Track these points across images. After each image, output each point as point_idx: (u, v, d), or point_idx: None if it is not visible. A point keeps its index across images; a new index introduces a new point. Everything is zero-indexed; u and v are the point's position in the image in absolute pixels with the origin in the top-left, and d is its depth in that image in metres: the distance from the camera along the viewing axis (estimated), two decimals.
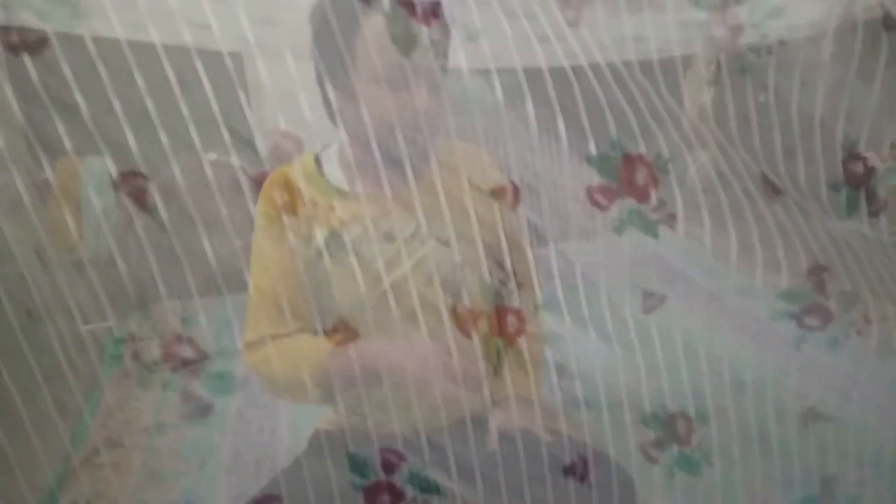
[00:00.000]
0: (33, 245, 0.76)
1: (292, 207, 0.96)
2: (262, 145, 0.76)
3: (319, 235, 1.00)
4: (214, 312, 0.81)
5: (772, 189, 0.95)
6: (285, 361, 1.01)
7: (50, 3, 0.70)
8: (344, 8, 0.86)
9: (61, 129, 0.69)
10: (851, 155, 0.90)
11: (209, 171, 0.74)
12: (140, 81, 0.71)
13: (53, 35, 0.68)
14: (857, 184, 0.92)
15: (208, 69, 0.72)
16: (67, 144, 0.70)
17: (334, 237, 1.00)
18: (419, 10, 0.74)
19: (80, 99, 0.69)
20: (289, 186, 1.00)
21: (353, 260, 0.96)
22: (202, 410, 0.83)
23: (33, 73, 0.68)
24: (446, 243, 0.94)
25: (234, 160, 0.74)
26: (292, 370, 1.01)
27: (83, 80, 0.69)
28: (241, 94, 0.74)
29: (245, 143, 0.75)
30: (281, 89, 0.77)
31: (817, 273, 0.98)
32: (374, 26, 0.88)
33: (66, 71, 0.69)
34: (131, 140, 0.72)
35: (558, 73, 0.82)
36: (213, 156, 0.73)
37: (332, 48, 0.85)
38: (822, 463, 1.12)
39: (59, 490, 0.88)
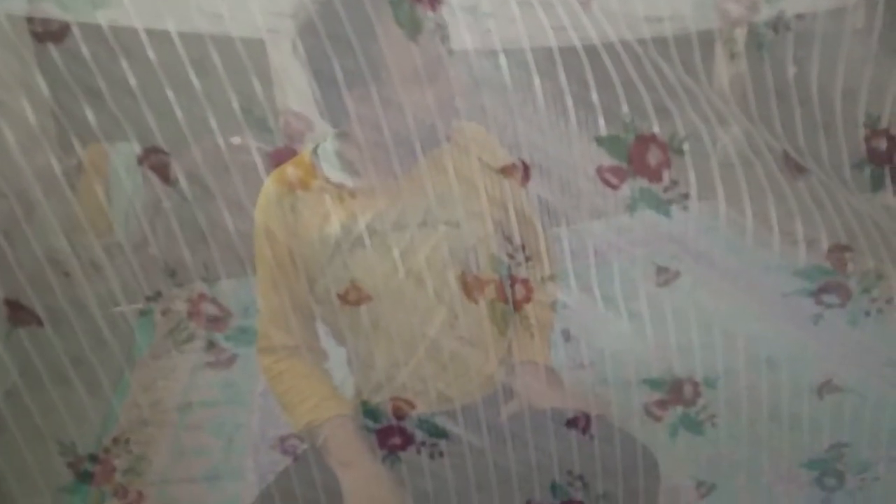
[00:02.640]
0: (64, 229, 0.83)
1: (305, 184, 1.00)
2: (274, 124, 0.79)
3: (334, 225, 1.04)
4: (235, 276, 0.88)
5: (795, 167, 0.92)
6: (290, 397, 1.11)
7: None
8: (355, 15, 0.84)
9: (87, 111, 0.74)
10: (874, 132, 0.86)
11: (225, 150, 0.79)
12: (157, 66, 0.75)
13: (74, 24, 0.72)
14: (880, 161, 0.88)
15: (223, 55, 0.75)
16: (94, 125, 0.75)
17: (345, 231, 1.03)
18: None
19: (102, 84, 0.74)
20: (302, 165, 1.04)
21: (367, 251, 1.00)
22: (227, 361, 0.91)
23: (58, 60, 0.73)
24: (456, 225, 0.97)
25: (251, 142, 0.78)
26: (291, 410, 1.10)
27: (103, 65, 0.74)
28: (255, 79, 0.77)
29: (258, 122, 0.79)
30: (292, 75, 0.79)
31: (838, 252, 0.95)
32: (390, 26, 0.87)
33: (88, 57, 0.73)
34: (151, 121, 0.77)
35: (569, 53, 0.80)
36: (237, 139, 0.77)
37: (339, 54, 0.84)
38: (835, 430, 1.13)
39: (81, 491, 0.98)
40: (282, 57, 1.00)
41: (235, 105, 0.77)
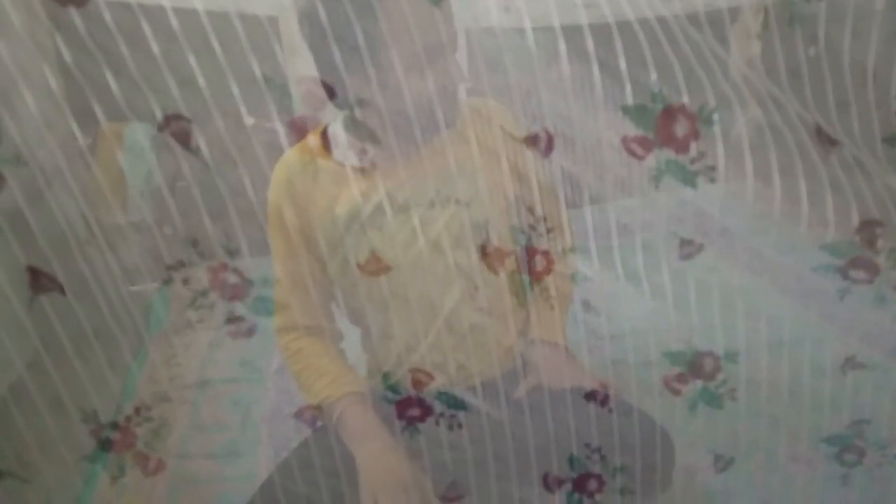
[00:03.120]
0: (79, 207, 0.82)
1: (325, 151, 0.99)
2: (295, 91, 0.78)
3: (351, 200, 1.04)
4: (256, 246, 0.87)
5: (827, 141, 0.89)
6: (306, 374, 1.13)
7: None
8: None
9: (109, 78, 0.74)
10: None
11: (247, 118, 0.78)
12: (179, 33, 0.73)
13: None
14: None
15: (244, 25, 0.74)
16: (115, 92, 0.75)
17: (361, 205, 1.03)
18: None
19: (124, 49, 0.73)
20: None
21: (386, 224, 1.01)
22: (247, 330, 0.91)
23: (80, 25, 0.72)
24: (477, 196, 0.96)
25: (276, 123, 0.77)
26: (307, 387, 1.12)
27: (126, 31, 0.73)
28: (276, 47, 0.76)
29: (279, 90, 0.78)
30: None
31: (869, 228, 0.93)
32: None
33: (110, 22, 0.72)
34: (174, 88, 0.76)
35: (599, 27, 0.78)
36: (250, 120, 0.77)
37: (339, 38, 0.83)
38: (856, 407, 1.12)
39: (102, 458, 0.99)
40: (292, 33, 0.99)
41: (257, 72, 0.76)
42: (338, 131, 1.10)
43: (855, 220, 0.91)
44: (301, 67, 0.84)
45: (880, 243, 0.93)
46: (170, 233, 0.86)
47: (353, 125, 1.05)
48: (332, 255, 1.09)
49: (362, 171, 1.04)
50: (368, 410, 1.09)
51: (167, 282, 0.86)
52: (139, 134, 0.87)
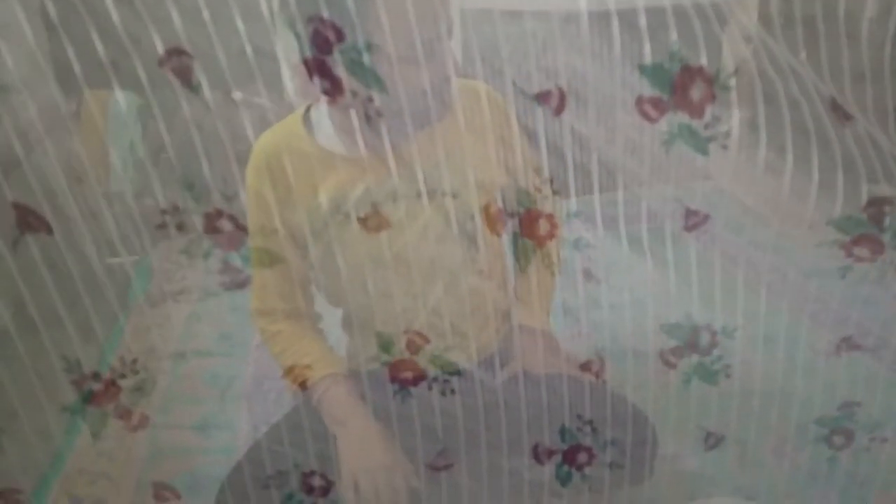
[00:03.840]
0: (65, 173, 0.79)
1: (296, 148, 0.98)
2: (303, 31, 0.75)
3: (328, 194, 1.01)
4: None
5: (843, 114, 0.88)
6: (285, 357, 1.12)
7: None
8: None
9: (111, 7, 0.70)
10: None
11: (252, 56, 0.75)
12: None
13: None
14: None
15: None
16: (118, 23, 0.71)
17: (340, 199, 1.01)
18: None
19: None
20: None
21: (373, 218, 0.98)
22: (241, 282, 0.89)
23: None
24: (465, 185, 0.94)
25: (279, 50, 0.74)
26: (287, 369, 1.10)
27: None
28: None
29: (288, 25, 0.75)
30: None
31: (878, 205, 0.92)
32: None
33: None
34: (177, 20, 0.72)
35: None
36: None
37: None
38: (849, 389, 1.12)
39: (83, 410, 0.96)
40: None
41: (264, 7, 0.73)
42: (322, 117, 1.07)
43: (864, 197, 0.90)
44: None
45: (888, 221, 0.92)
46: (151, 205, 0.83)
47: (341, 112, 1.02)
48: (314, 240, 1.07)
49: (350, 158, 1.01)
50: (346, 393, 1.09)
51: (160, 226, 0.83)
52: (124, 103, 0.84)
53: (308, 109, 1.10)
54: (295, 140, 1.06)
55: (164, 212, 0.82)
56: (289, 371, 1.11)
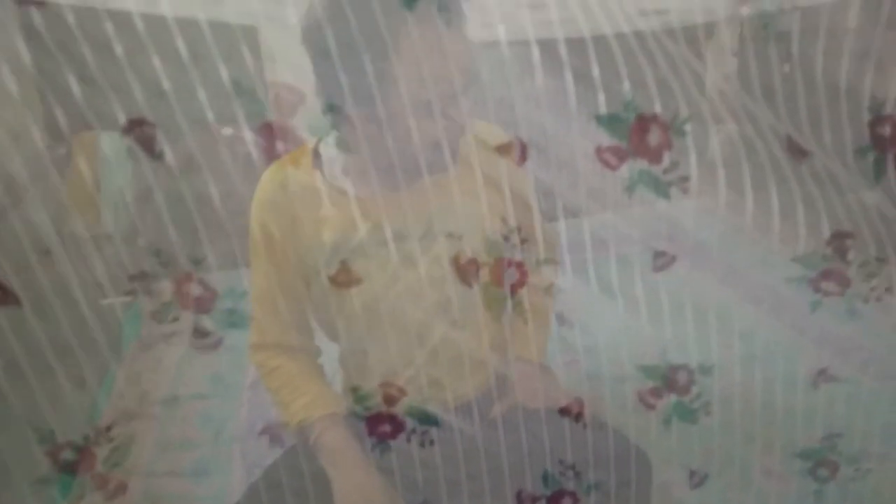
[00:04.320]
0: (52, 219, 0.79)
1: (303, 182, 0.99)
2: (264, 96, 0.77)
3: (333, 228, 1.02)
4: (223, 255, 0.85)
5: (798, 151, 0.90)
6: (283, 394, 1.11)
7: None
8: (369, 33, 0.80)
9: (71, 81, 0.71)
10: (879, 117, 0.85)
11: (214, 123, 0.76)
12: (144, 34, 0.71)
13: None
14: (884, 147, 0.87)
15: (212, 28, 0.73)
16: (78, 96, 0.72)
17: (344, 236, 1.02)
18: None
19: (86, 51, 0.71)
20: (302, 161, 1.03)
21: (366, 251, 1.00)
22: (213, 344, 0.89)
23: (41, 25, 0.69)
24: (451, 207, 0.95)
25: (240, 114, 0.75)
26: (284, 407, 1.10)
27: (88, 32, 0.70)
28: (245, 50, 0.74)
29: (247, 93, 0.76)
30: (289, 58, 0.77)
31: (840, 239, 0.94)
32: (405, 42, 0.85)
33: (72, 22, 0.70)
34: (138, 92, 0.74)
35: (570, 25, 0.78)
36: (228, 130, 0.75)
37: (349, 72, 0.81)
38: (829, 421, 1.12)
39: (73, 457, 0.95)
40: (276, 39, 0.98)
41: (224, 76, 0.74)
42: (332, 152, 1.07)
43: (826, 232, 0.92)
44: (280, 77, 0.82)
45: (851, 255, 0.94)
46: (144, 245, 0.83)
47: (345, 147, 1.03)
48: (315, 277, 1.07)
49: (357, 198, 1.01)
50: (344, 434, 1.08)
51: (129, 293, 0.83)
52: (113, 143, 0.85)
53: (317, 145, 1.09)
54: (302, 174, 1.05)
55: (132, 278, 0.82)
56: (285, 408, 1.10)
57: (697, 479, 1.15)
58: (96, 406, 1.09)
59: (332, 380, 1.20)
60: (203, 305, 0.86)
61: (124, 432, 0.96)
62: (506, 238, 0.94)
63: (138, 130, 0.76)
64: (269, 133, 0.77)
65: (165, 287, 0.83)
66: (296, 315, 1.11)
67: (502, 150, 0.87)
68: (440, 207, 0.96)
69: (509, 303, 0.98)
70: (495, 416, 1.06)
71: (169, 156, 0.77)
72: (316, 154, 1.08)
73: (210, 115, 0.75)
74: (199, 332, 0.86)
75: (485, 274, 0.97)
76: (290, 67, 0.95)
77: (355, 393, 1.00)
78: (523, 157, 0.87)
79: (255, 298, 1.06)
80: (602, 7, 0.80)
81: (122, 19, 0.72)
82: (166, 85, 0.74)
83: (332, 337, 1.18)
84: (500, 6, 0.79)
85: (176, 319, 0.85)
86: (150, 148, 0.76)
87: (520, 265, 0.96)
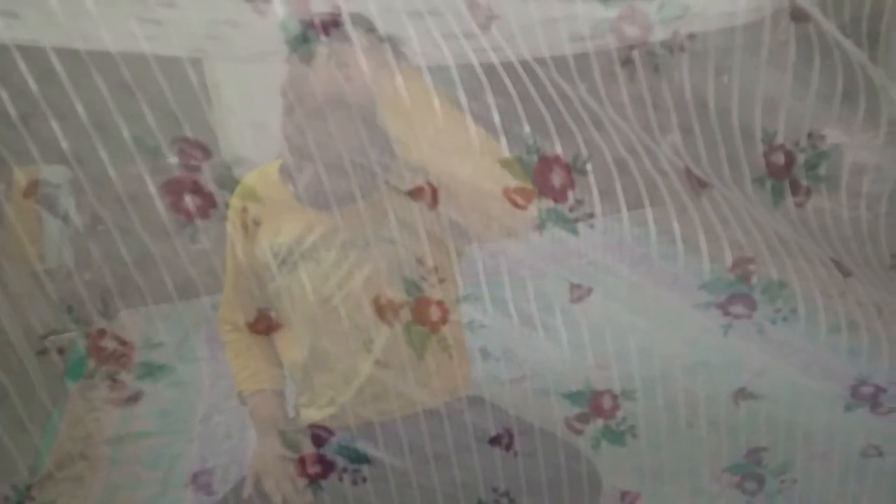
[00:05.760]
0: None
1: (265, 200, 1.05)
2: (168, 151, 0.77)
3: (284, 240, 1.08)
4: (135, 307, 0.85)
5: (697, 182, 0.94)
6: (233, 365, 1.21)
7: None
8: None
9: None
10: (772, 147, 0.89)
11: (116, 180, 0.76)
12: (37, 93, 0.72)
13: None
14: (779, 175, 0.91)
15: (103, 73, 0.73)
16: None
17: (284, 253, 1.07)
18: (317, 21, 0.73)
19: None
20: (255, 197, 1.08)
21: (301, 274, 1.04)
22: (132, 398, 0.88)
23: None
24: (367, 249, 0.97)
25: (143, 169, 0.76)
26: (234, 376, 1.20)
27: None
28: (145, 106, 0.74)
29: (150, 151, 0.76)
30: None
31: (742, 265, 0.98)
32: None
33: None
34: (34, 151, 0.74)
35: (467, 72, 0.81)
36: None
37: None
38: (751, 436, 1.15)
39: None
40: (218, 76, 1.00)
41: (126, 133, 0.75)
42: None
43: (729, 259, 0.95)
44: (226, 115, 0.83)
45: (755, 279, 0.97)
46: (90, 279, 0.83)
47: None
48: (270, 279, 1.12)
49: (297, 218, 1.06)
50: (272, 410, 1.16)
51: (41, 352, 0.82)
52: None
53: (282, 167, 1.13)
54: (271, 186, 1.11)
55: (42, 337, 0.82)
56: (234, 377, 1.21)
57: (630, 500, 1.18)
58: (39, 451, 1.07)
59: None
60: (120, 360, 0.86)
61: (73, 475, 0.95)
62: (424, 278, 0.96)
63: (40, 192, 0.76)
64: (174, 188, 0.78)
65: (80, 343, 0.83)
66: (245, 305, 1.17)
67: (414, 194, 0.88)
68: (357, 251, 0.98)
69: (433, 339, 0.99)
70: (424, 444, 1.07)
71: (73, 214, 0.77)
72: (283, 170, 1.13)
73: (111, 173, 0.76)
74: (117, 387, 0.86)
75: (405, 313, 0.98)
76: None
77: (283, 437, 1.00)
78: (435, 199, 0.89)
79: (227, 274, 1.16)
80: (493, 40, 0.82)
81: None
82: (65, 145, 0.74)
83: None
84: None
85: (92, 376, 0.84)
86: (53, 208, 0.76)
87: (440, 304, 0.98)
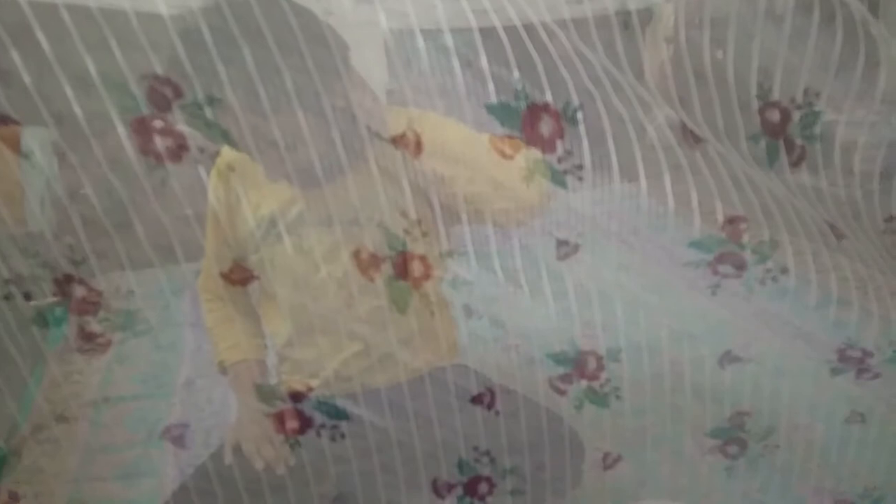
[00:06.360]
0: None
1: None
2: (137, 90, 0.73)
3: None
4: (104, 253, 0.82)
5: (691, 137, 0.91)
6: (213, 334, 1.21)
7: None
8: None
9: None
10: (767, 104, 0.86)
11: (83, 120, 0.72)
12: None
13: None
14: (774, 133, 0.88)
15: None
16: None
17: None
18: None
19: None
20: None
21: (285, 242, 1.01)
22: (101, 346, 0.86)
23: None
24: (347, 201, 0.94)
25: (111, 107, 0.72)
26: (214, 345, 1.20)
27: None
28: (113, 42, 0.70)
29: (117, 87, 0.73)
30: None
31: (734, 223, 0.95)
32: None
33: None
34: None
35: (460, 30, 0.77)
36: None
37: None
38: (736, 399, 1.14)
39: (4, 466, 0.90)
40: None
41: (92, 69, 0.71)
42: None
43: (720, 217, 0.93)
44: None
45: (746, 237, 0.95)
46: (72, 243, 0.80)
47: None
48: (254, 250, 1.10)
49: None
50: (251, 380, 1.14)
51: (7, 297, 0.79)
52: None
53: None
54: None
55: (7, 281, 0.79)
56: (215, 346, 1.21)
57: (611, 461, 1.17)
58: (25, 409, 1.05)
59: None
60: (88, 308, 0.83)
61: (56, 435, 0.93)
62: (407, 231, 0.93)
63: (3, 130, 0.72)
64: (142, 127, 0.74)
65: (46, 289, 0.79)
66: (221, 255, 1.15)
67: (397, 141, 0.85)
68: (337, 202, 0.95)
69: (415, 296, 0.97)
70: (407, 408, 1.06)
71: (37, 154, 0.73)
72: None
73: (79, 112, 0.72)
74: (84, 335, 0.83)
75: (387, 268, 0.95)
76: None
77: (259, 391, 0.98)
78: (419, 148, 0.86)
79: (207, 252, 1.14)
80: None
81: None
82: (26, 78, 0.70)
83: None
84: None
85: (59, 324, 0.82)
86: (15, 147, 0.73)
87: (423, 258, 0.95)
